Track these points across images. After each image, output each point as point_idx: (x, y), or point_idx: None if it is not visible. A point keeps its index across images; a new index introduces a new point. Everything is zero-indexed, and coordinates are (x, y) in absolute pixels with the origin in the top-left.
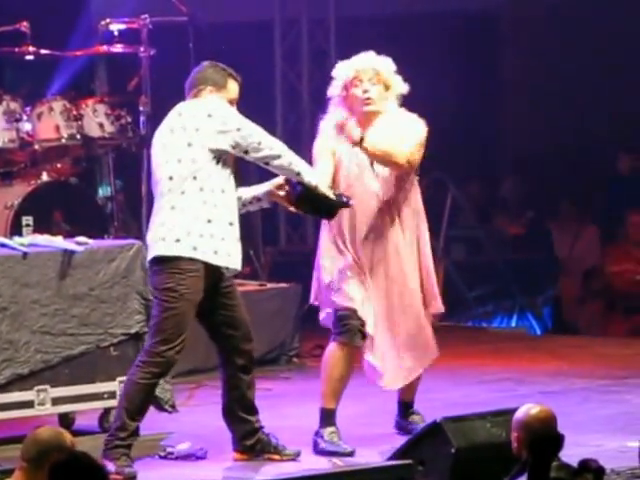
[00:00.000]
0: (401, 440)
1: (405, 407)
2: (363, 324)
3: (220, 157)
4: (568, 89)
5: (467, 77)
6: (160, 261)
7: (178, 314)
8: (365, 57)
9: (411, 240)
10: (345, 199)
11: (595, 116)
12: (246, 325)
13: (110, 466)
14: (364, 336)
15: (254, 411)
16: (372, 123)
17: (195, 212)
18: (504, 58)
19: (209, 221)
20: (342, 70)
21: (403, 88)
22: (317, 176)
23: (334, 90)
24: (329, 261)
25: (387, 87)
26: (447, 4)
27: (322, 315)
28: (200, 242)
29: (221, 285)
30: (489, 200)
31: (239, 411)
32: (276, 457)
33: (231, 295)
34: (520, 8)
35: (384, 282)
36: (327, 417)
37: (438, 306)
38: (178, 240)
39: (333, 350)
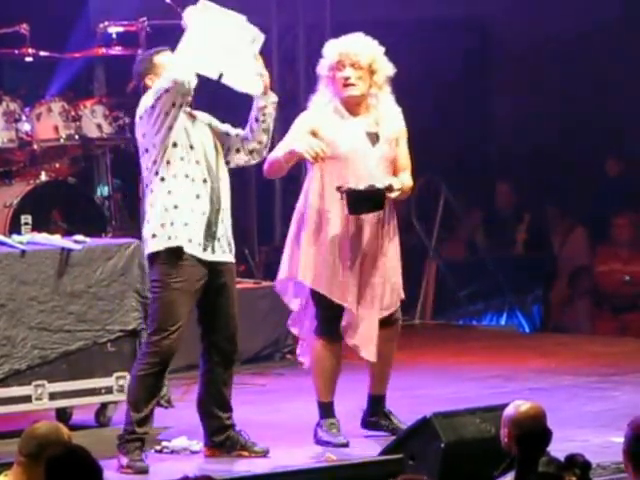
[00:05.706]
0: (393, 436)
1: (375, 402)
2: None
3: (167, 141)
4: (556, 91)
5: (459, 80)
6: (149, 258)
7: (167, 303)
8: (351, 40)
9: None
10: (381, 185)
11: (584, 119)
12: (232, 325)
13: (123, 460)
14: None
15: (227, 408)
16: (359, 105)
17: (163, 203)
18: (494, 61)
19: (175, 207)
20: (328, 51)
21: (390, 70)
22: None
23: (321, 70)
24: (313, 242)
25: (372, 71)
26: (444, 9)
27: (295, 302)
28: (172, 230)
29: (215, 279)
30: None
31: (212, 406)
32: (245, 454)
33: (223, 292)
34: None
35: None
36: (325, 409)
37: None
38: (154, 235)
39: (319, 348)
